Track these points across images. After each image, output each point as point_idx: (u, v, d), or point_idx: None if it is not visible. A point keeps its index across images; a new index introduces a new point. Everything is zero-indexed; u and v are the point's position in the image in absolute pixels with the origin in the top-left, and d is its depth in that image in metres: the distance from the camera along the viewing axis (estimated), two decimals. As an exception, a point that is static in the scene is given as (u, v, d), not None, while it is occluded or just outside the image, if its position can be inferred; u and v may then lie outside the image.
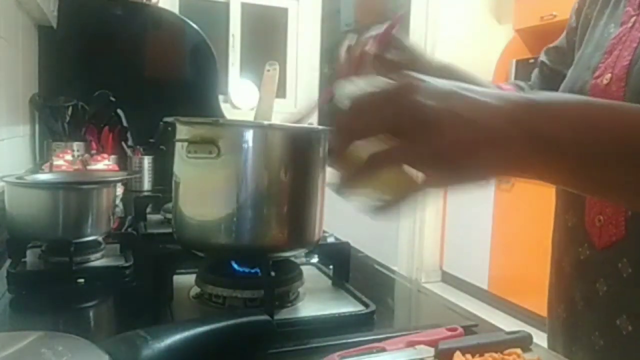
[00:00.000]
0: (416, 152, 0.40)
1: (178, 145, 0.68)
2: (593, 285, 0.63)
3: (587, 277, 0.65)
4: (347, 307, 0.70)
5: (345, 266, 0.78)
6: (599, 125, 0.42)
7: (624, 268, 0.60)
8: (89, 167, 1.44)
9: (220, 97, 2.36)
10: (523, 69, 3.50)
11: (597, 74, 0.63)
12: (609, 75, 0.60)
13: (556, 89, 0.71)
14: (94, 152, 1.65)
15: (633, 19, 0.61)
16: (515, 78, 3.66)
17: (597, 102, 0.48)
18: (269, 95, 0.83)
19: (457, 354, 0.53)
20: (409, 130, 0.39)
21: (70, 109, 1.74)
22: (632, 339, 0.60)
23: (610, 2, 0.69)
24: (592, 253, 0.64)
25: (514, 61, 3.62)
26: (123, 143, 1.81)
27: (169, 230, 0.74)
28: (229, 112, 2.70)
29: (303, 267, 0.74)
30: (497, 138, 0.40)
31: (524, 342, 0.58)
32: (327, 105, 0.62)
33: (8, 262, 0.80)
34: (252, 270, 0.70)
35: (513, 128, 0.40)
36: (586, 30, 0.71)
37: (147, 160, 1.76)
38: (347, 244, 0.80)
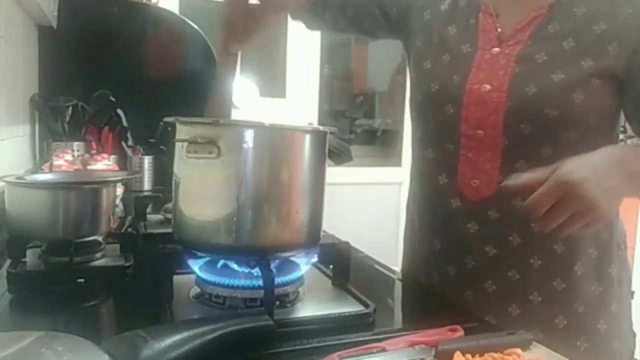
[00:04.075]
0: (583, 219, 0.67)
1: (178, 145, 0.68)
2: (465, 225, 0.86)
3: (460, 220, 0.87)
4: (347, 307, 0.70)
5: (345, 266, 0.78)
6: None
7: (493, 214, 0.84)
8: (89, 167, 1.43)
9: (220, 97, 2.36)
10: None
11: (471, 81, 0.84)
12: (488, 85, 0.83)
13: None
14: (94, 152, 1.65)
15: (496, 50, 0.85)
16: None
17: None
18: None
19: (457, 354, 0.53)
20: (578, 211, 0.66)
21: (70, 109, 1.74)
22: (496, 259, 0.84)
23: (453, 22, 0.90)
24: (463, 204, 0.86)
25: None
26: (123, 143, 1.81)
27: (169, 230, 0.74)
28: (229, 112, 2.69)
29: (303, 267, 0.74)
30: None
31: (524, 342, 0.58)
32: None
33: (8, 262, 0.80)
34: (252, 270, 0.70)
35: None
36: (428, 31, 0.93)
37: (147, 160, 1.76)
38: (347, 244, 0.80)
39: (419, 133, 0.95)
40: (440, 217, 0.90)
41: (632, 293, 0.92)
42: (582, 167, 0.66)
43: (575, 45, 0.80)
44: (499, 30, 0.86)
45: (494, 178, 0.82)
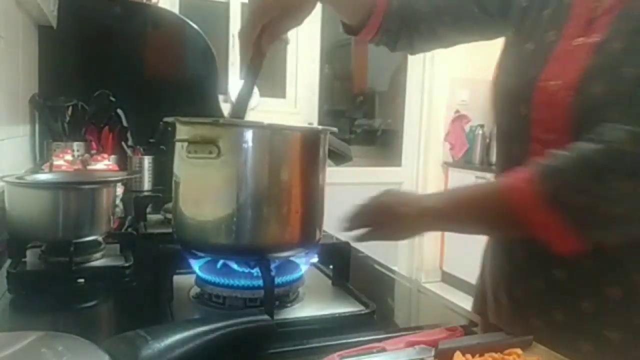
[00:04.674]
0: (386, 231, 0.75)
1: (178, 145, 0.68)
2: (534, 243, 0.71)
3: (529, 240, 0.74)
4: (347, 307, 0.70)
5: (345, 266, 0.78)
6: (465, 206, 0.73)
7: None
8: (89, 167, 1.43)
9: (220, 97, 2.36)
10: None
11: (543, 77, 0.73)
12: (560, 82, 0.71)
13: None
14: (94, 152, 1.65)
15: (581, 40, 0.71)
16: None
17: (466, 193, 0.76)
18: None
19: (457, 354, 0.53)
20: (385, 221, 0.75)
21: (70, 109, 1.74)
22: (567, 284, 0.73)
23: (549, 3, 0.78)
24: None
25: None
26: (123, 143, 1.81)
27: (169, 230, 0.74)
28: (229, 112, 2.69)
29: (303, 267, 0.74)
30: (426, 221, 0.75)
31: (524, 342, 0.58)
32: None
33: (8, 262, 0.80)
34: (252, 270, 0.70)
35: (432, 216, 0.73)
36: (523, 19, 0.81)
37: (147, 160, 1.76)
38: (347, 244, 0.80)
39: (496, 131, 0.86)
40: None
41: None
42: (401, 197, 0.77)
43: None
44: (598, 12, 0.71)
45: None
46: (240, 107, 0.79)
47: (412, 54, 1.04)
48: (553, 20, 0.76)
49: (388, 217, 0.74)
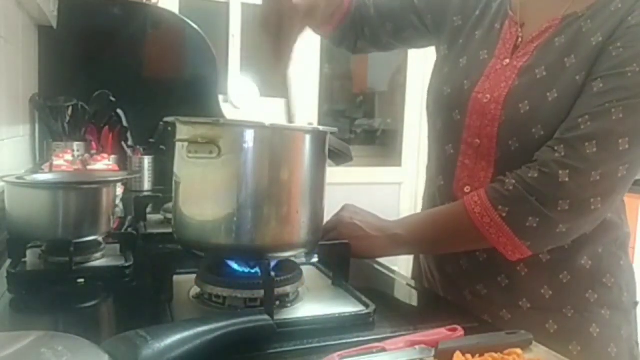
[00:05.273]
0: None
1: (178, 145, 0.68)
2: None
3: None
4: (347, 307, 0.70)
5: (345, 266, 0.78)
6: (426, 229, 0.85)
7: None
8: (89, 167, 1.43)
9: (220, 97, 2.35)
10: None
11: (477, 90, 0.85)
12: (489, 96, 0.84)
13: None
14: (94, 152, 1.65)
15: (507, 61, 0.84)
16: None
17: (423, 217, 0.92)
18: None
19: (457, 354, 0.53)
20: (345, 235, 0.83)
21: (70, 109, 1.74)
22: (487, 263, 0.86)
23: (481, 26, 0.91)
24: None
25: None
26: (123, 143, 1.81)
27: (169, 230, 0.74)
28: (229, 112, 2.69)
29: (303, 267, 0.74)
30: (380, 241, 0.84)
31: (524, 342, 0.58)
32: None
33: (8, 262, 0.80)
34: (252, 270, 0.70)
35: (387, 238, 0.84)
36: (456, 36, 0.94)
37: (147, 160, 1.76)
38: (347, 244, 0.80)
39: (429, 135, 0.97)
40: None
41: (635, 304, 0.91)
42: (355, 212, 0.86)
43: (576, 62, 0.78)
44: (520, 40, 0.85)
45: (486, 186, 0.82)
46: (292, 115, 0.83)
47: (353, 53, 1.16)
48: (485, 41, 0.89)
49: (359, 238, 0.83)
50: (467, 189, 0.86)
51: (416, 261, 1.07)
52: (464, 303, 0.87)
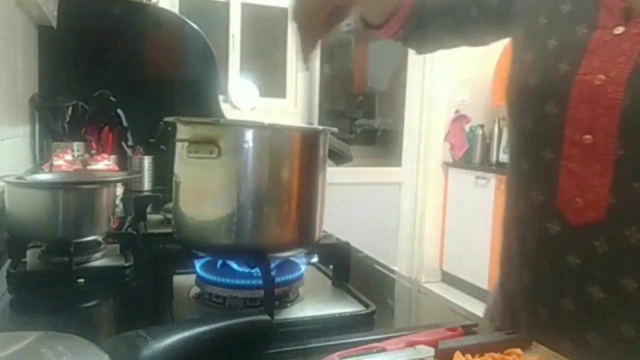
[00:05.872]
0: None
1: (178, 145, 0.68)
2: (564, 258, 0.68)
3: (557, 250, 0.69)
4: (347, 307, 0.70)
5: (345, 266, 0.78)
6: None
7: (600, 246, 0.65)
8: (89, 167, 1.43)
9: (220, 97, 2.36)
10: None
11: (582, 71, 0.66)
12: (602, 77, 0.65)
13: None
14: (94, 152, 1.65)
15: (620, 29, 0.65)
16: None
17: None
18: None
19: (457, 354, 0.53)
20: None
21: (70, 109, 1.74)
22: (602, 304, 0.65)
23: (564, 1, 0.73)
24: (564, 229, 0.68)
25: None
26: (123, 143, 1.81)
27: (169, 230, 0.74)
28: (229, 112, 2.69)
29: (303, 267, 0.74)
30: None
31: (524, 342, 0.58)
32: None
33: (8, 262, 0.80)
34: (252, 270, 0.70)
35: None
36: (534, 16, 0.76)
37: (147, 160, 1.76)
38: (347, 244, 0.80)
39: (513, 141, 0.79)
40: (532, 244, 0.73)
41: None
42: None
43: None
44: (629, 0, 0.66)
45: (603, 198, 0.64)
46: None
47: (418, 53, 1.03)
48: (578, 14, 0.70)
49: None
50: (577, 202, 0.66)
51: (493, 300, 0.87)
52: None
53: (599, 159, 0.65)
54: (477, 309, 0.79)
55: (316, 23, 0.77)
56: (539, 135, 0.71)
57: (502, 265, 0.83)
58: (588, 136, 0.65)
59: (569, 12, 0.71)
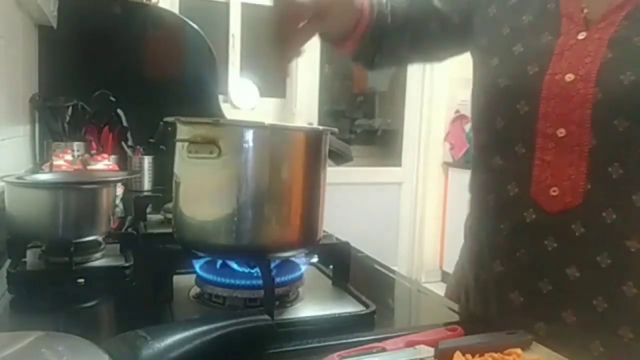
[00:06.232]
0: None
1: (178, 145, 0.68)
2: (541, 243, 0.72)
3: (534, 236, 0.73)
4: (347, 307, 0.70)
5: (345, 266, 0.78)
6: None
7: (576, 228, 0.70)
8: (89, 167, 1.44)
9: (220, 97, 2.36)
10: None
11: (551, 71, 0.72)
12: (572, 75, 0.71)
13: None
14: (94, 152, 1.65)
15: (583, 34, 0.72)
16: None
17: None
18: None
19: (457, 354, 0.53)
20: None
21: (70, 109, 1.74)
22: (579, 283, 0.70)
23: (527, 11, 0.78)
24: (539, 217, 0.73)
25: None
26: (123, 143, 1.81)
27: (169, 230, 0.74)
28: (229, 112, 2.69)
29: (303, 267, 0.74)
30: None
31: (524, 342, 0.58)
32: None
33: (8, 262, 0.80)
34: (252, 270, 0.70)
35: None
36: (496, 26, 0.82)
37: (147, 160, 1.76)
38: (347, 244, 0.80)
39: (481, 141, 0.83)
40: (505, 233, 0.77)
41: None
42: None
43: None
44: (585, 11, 0.73)
45: (579, 185, 0.69)
46: None
47: (370, 69, 1.00)
48: (540, 23, 0.77)
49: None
50: (553, 191, 0.71)
51: (453, 287, 0.91)
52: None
53: (573, 150, 0.70)
54: (477, 309, 0.80)
55: (290, 34, 0.76)
56: (511, 133, 0.76)
57: (468, 260, 0.87)
58: (562, 130, 0.71)
59: (530, 22, 0.78)
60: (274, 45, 0.76)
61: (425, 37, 0.93)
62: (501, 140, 0.78)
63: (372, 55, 0.95)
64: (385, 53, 0.95)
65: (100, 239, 0.90)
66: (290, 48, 0.76)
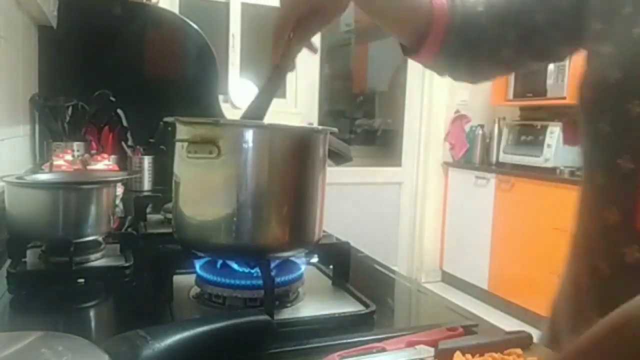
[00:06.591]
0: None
1: (178, 145, 0.68)
2: None
3: (636, 282, 0.57)
4: (347, 307, 0.70)
5: (345, 266, 0.78)
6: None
7: None
8: (89, 167, 1.43)
9: (220, 97, 2.36)
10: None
11: None
12: None
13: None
14: (94, 152, 1.65)
15: None
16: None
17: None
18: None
19: (457, 354, 0.53)
20: None
21: (70, 109, 1.74)
22: None
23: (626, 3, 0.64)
24: None
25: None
26: (123, 143, 1.81)
27: (169, 230, 0.74)
28: (229, 112, 2.69)
29: (303, 267, 0.74)
30: None
31: (524, 342, 0.58)
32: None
33: (8, 262, 0.80)
34: (252, 270, 0.70)
35: None
36: (614, 6, 0.65)
37: (147, 160, 1.76)
38: (347, 244, 0.80)
39: (585, 147, 0.67)
40: (605, 272, 0.61)
41: None
42: None
43: None
44: None
45: None
46: (260, 109, 0.72)
47: (473, 82, 0.85)
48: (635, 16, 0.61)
49: None
50: None
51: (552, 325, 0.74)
52: None
53: None
54: (477, 309, 0.79)
55: (286, 32, 0.72)
56: (617, 140, 0.60)
57: (569, 304, 0.71)
58: None
59: (628, 14, 0.61)
60: (273, 42, 0.73)
61: (532, 33, 0.74)
62: (604, 149, 0.62)
63: (469, 63, 0.80)
64: (486, 59, 0.79)
65: (100, 239, 0.90)
66: (282, 46, 0.72)
